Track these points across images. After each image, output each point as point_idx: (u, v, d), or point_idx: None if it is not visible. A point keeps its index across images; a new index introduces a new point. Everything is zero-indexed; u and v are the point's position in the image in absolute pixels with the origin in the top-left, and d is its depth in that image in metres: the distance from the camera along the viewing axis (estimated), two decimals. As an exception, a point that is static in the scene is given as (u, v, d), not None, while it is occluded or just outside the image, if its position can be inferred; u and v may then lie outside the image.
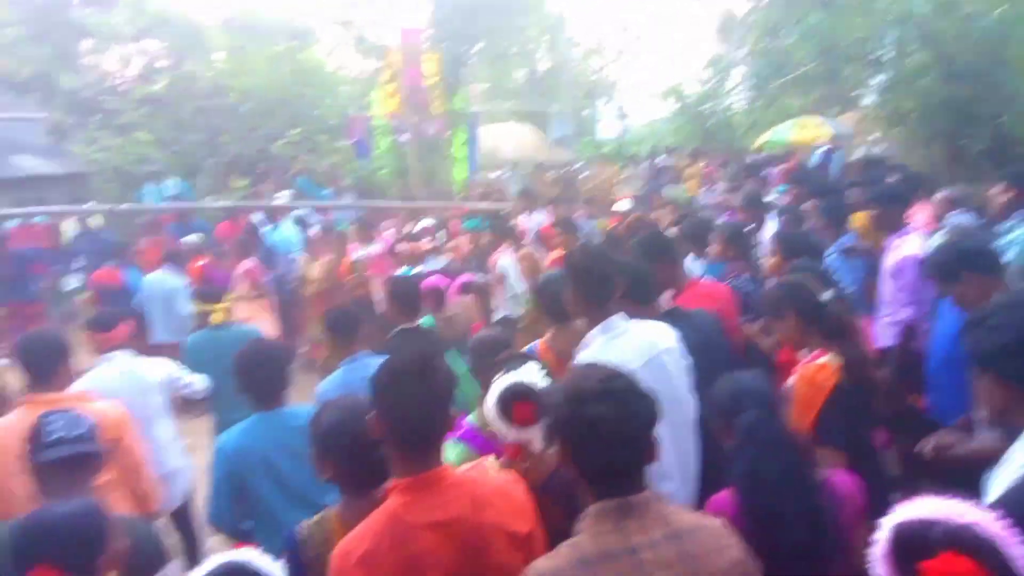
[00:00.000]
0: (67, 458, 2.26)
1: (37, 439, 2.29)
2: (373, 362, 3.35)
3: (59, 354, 3.08)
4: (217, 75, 13.71)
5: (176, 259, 6.88)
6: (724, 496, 2.05)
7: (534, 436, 2.10)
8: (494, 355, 2.52)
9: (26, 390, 3.08)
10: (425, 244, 7.05)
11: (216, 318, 4.79)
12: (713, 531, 1.61)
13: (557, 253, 6.13)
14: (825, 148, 11.02)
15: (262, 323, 6.35)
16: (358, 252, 7.40)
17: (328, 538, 1.92)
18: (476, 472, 1.89)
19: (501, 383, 2.16)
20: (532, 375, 2.18)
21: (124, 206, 10.25)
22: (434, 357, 1.78)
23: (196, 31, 14.27)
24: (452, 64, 14.89)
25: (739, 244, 4.47)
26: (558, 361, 2.88)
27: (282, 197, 10.85)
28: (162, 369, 3.85)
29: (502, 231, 6.71)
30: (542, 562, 1.57)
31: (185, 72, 13.88)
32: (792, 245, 4.21)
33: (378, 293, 6.49)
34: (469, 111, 16.14)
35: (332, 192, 11.95)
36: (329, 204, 10.50)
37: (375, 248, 7.63)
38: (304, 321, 7.79)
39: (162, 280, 6.73)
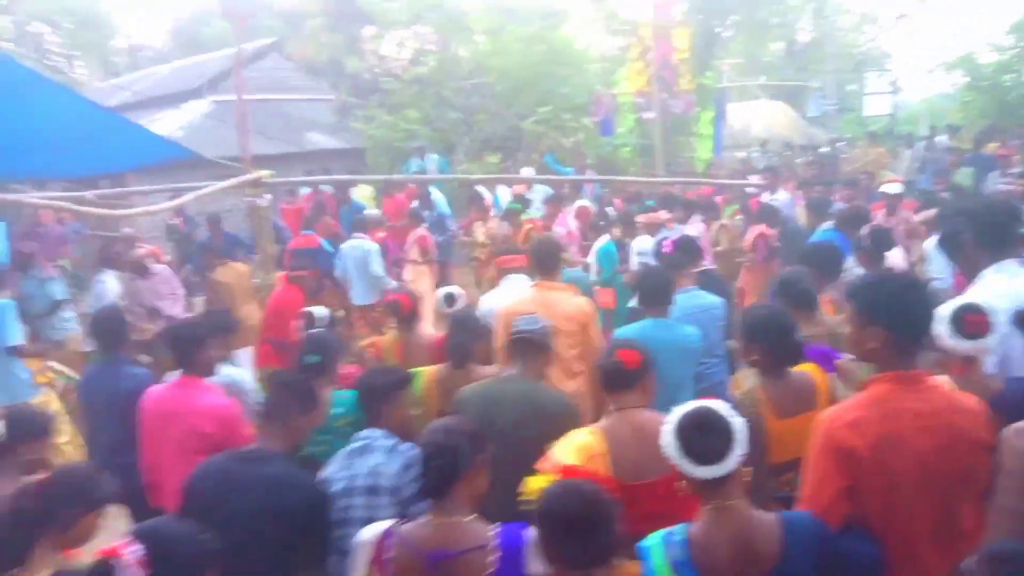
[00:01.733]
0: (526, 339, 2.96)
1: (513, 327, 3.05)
2: (701, 293, 4.11)
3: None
4: (477, 56, 14.64)
5: (362, 228, 7.63)
6: None
7: (983, 348, 2.39)
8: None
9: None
10: (663, 215, 7.39)
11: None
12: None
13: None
14: None
15: (425, 284, 7.49)
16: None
17: (756, 406, 2.56)
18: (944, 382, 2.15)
19: (954, 303, 2.44)
20: None
21: (397, 176, 11.44)
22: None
23: (462, 14, 15.33)
24: (704, 38, 14.44)
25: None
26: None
27: (525, 173, 11.39)
28: None
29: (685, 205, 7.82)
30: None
31: (449, 54, 15.02)
32: None
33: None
34: (718, 87, 15.58)
35: (574, 171, 12.26)
36: (568, 178, 10.80)
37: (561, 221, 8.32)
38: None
39: (358, 245, 7.40)
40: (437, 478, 2.09)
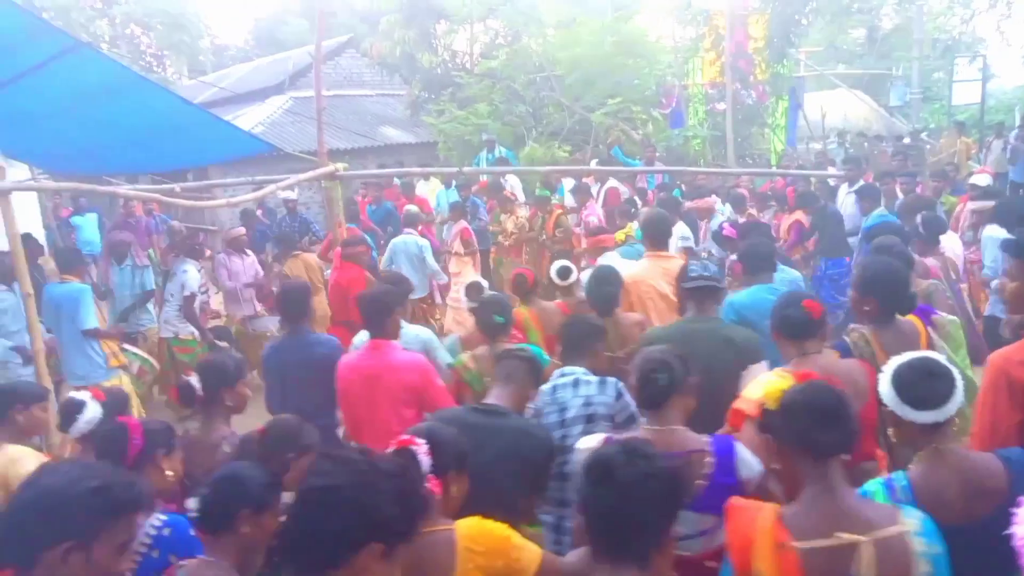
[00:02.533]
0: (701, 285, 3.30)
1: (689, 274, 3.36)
2: (785, 268, 4.54)
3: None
4: (547, 48, 14.67)
5: (412, 223, 7.94)
6: None
7: None
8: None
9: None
10: (712, 200, 7.96)
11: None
12: None
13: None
14: None
15: (468, 273, 7.84)
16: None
17: (870, 348, 2.82)
18: None
19: None
20: None
21: (467, 168, 11.62)
22: None
23: (533, 7, 15.39)
24: (781, 26, 14.04)
25: None
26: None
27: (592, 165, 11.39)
28: None
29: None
30: None
31: (520, 47, 15.09)
32: None
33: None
34: (795, 77, 15.14)
35: (643, 163, 12.19)
36: (637, 169, 10.74)
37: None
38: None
39: (410, 241, 7.63)
40: (656, 390, 2.32)
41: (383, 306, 3.56)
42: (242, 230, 7.70)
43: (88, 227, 11.55)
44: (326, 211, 7.81)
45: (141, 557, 2.12)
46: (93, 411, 3.03)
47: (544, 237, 8.59)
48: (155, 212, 10.82)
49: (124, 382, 5.59)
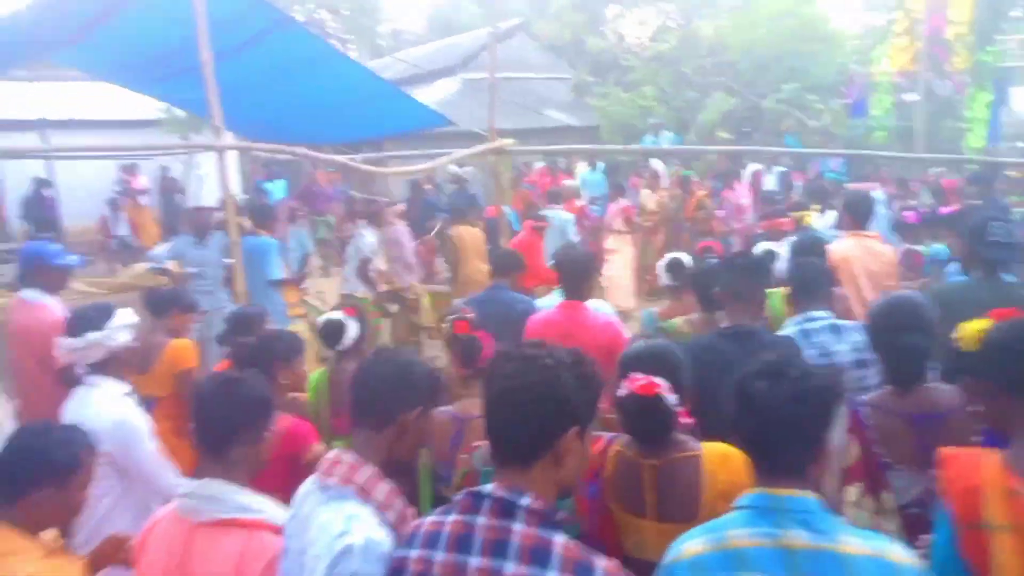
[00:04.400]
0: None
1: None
2: None
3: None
4: (719, 32, 14.20)
5: (558, 199, 8.07)
6: None
7: None
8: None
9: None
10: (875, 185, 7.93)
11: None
12: None
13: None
14: None
15: (627, 252, 7.91)
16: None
17: None
18: None
19: None
20: None
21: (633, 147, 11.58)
22: None
23: (706, -9, 15.00)
24: (989, 10, 12.70)
25: None
26: None
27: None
28: None
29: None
30: None
31: (691, 31, 14.73)
32: None
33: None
34: (1001, 67, 13.64)
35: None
36: (812, 151, 10.20)
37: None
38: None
39: (556, 216, 7.77)
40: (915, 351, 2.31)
41: (583, 269, 3.67)
42: (401, 207, 8.19)
43: (277, 192, 12.68)
44: (487, 188, 8.15)
45: None
46: (353, 328, 3.42)
47: (683, 218, 8.62)
48: (334, 182, 11.70)
49: (301, 329, 6.13)
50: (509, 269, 4.59)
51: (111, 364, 2.90)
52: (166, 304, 4.11)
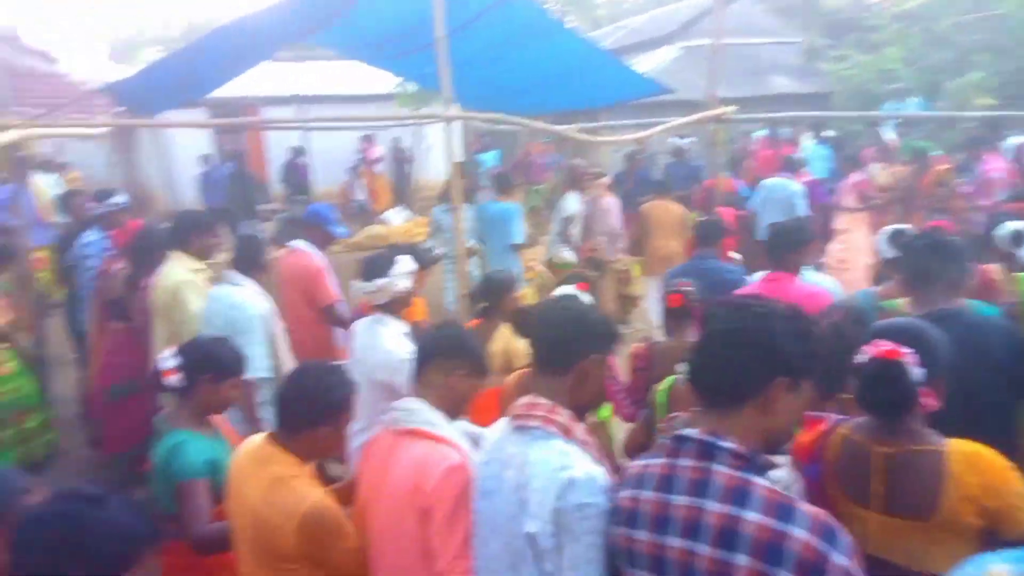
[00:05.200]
0: None
1: None
2: None
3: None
4: (989, -16, 12.37)
5: (791, 167, 7.51)
6: None
7: None
8: None
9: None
10: None
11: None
12: None
13: None
14: None
15: (862, 232, 7.18)
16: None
17: None
18: None
19: None
20: None
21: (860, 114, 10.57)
22: None
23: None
24: None
25: None
26: None
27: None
28: None
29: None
30: None
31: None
32: None
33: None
34: None
35: None
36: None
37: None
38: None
39: (782, 185, 7.13)
40: None
41: (791, 241, 3.59)
42: (608, 179, 8.14)
43: (489, 162, 13.27)
44: (709, 160, 7.92)
45: None
46: (586, 301, 3.53)
47: (918, 195, 7.67)
48: (547, 152, 11.96)
49: (530, 295, 6.42)
50: (714, 238, 4.52)
51: (394, 305, 3.31)
52: (374, 270, 4.52)
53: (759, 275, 3.89)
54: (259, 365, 3.62)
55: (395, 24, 6.24)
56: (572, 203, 7.13)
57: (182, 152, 13.52)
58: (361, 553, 2.11)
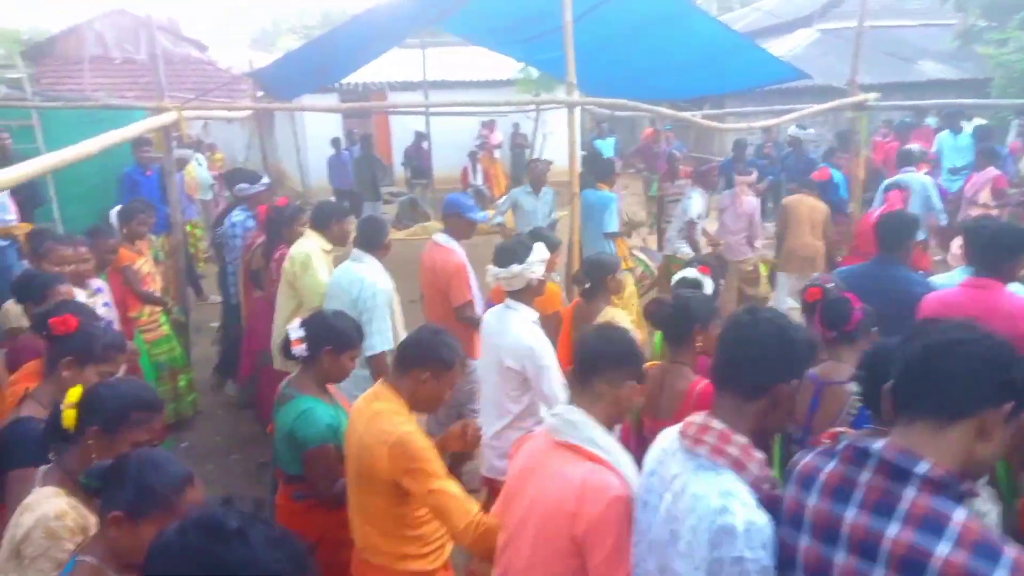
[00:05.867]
0: None
1: None
2: None
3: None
4: None
5: (909, 160, 6.91)
6: None
7: None
8: None
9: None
10: None
11: None
12: None
13: None
14: None
15: None
16: None
17: None
18: None
19: None
20: None
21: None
22: None
23: None
24: None
25: None
26: None
27: None
28: None
29: None
30: None
31: None
32: None
33: None
34: None
35: None
36: None
37: None
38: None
39: (915, 180, 6.56)
40: None
41: (1007, 246, 3.05)
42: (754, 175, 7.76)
43: (606, 149, 13.08)
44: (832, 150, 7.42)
45: None
46: (708, 287, 3.35)
47: None
48: (669, 139, 11.65)
49: (628, 281, 6.32)
50: (901, 240, 3.72)
51: (526, 292, 3.31)
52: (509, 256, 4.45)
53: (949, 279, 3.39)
54: (384, 338, 3.81)
55: (521, 10, 6.24)
56: (697, 204, 6.85)
57: (314, 135, 14.21)
58: (444, 496, 2.21)
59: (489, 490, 2.81)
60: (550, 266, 3.92)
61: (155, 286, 5.10)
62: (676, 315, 2.75)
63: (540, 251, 3.33)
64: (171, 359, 5.13)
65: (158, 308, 5.04)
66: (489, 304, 4.35)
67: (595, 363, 2.00)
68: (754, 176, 7.56)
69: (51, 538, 1.76)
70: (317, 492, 2.61)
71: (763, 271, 7.12)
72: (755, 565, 1.44)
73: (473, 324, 4.27)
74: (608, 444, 1.95)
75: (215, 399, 5.81)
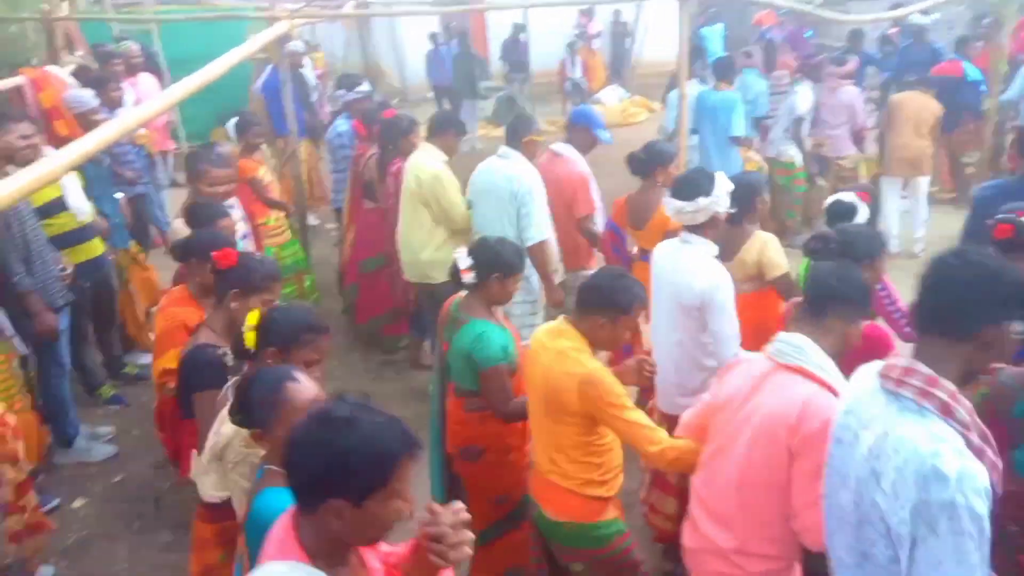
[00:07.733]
0: None
1: None
2: None
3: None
4: None
5: None
6: None
7: None
8: None
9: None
10: None
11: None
12: None
13: None
14: None
15: None
16: None
17: None
18: None
19: None
20: None
21: None
22: None
23: None
24: None
25: None
26: None
27: None
28: None
29: None
30: None
31: None
32: None
33: None
34: None
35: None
36: None
37: None
38: None
39: None
40: None
41: None
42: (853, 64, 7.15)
43: (713, 37, 12.05)
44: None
45: None
46: (863, 214, 3.22)
47: None
48: (785, 26, 10.83)
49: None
50: None
51: (708, 226, 3.02)
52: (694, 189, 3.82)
53: None
54: (542, 229, 4.05)
55: None
56: (804, 99, 6.48)
57: (410, 31, 14.07)
58: (634, 426, 2.42)
59: (668, 427, 2.83)
60: (668, 180, 3.80)
61: (275, 192, 5.39)
62: (841, 254, 2.61)
63: (724, 183, 3.06)
64: (296, 261, 5.46)
65: (282, 213, 5.36)
66: (610, 222, 4.42)
67: (830, 299, 2.07)
68: (851, 66, 7.05)
69: (249, 446, 2.07)
70: (492, 406, 2.87)
71: (864, 172, 6.77)
72: (968, 512, 1.40)
73: (593, 238, 4.36)
74: (833, 369, 2.02)
75: (335, 300, 6.05)
